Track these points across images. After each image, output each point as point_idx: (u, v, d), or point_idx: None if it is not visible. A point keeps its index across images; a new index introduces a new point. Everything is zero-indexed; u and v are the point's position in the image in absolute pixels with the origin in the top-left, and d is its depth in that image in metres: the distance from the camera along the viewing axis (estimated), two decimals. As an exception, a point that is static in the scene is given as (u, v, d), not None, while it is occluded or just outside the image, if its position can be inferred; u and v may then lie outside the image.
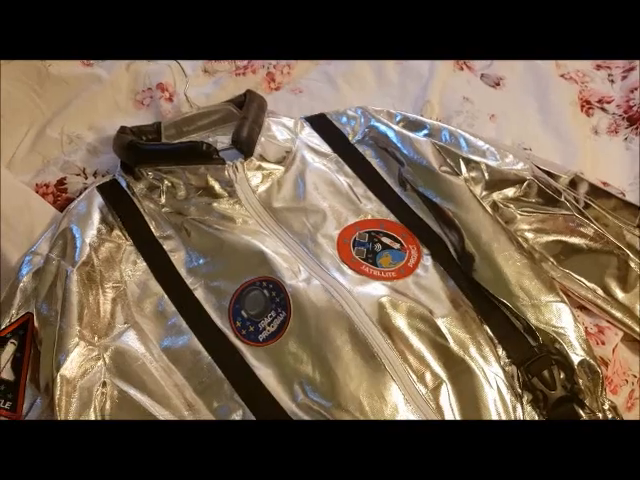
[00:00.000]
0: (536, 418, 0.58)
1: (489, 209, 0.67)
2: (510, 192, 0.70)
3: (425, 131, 0.75)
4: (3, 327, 0.58)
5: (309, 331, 0.59)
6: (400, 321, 0.59)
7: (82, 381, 0.55)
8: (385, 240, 0.67)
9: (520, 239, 0.67)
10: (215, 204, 0.68)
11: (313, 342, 0.58)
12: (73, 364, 0.55)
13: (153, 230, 0.66)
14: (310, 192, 0.70)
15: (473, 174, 0.70)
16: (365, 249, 0.66)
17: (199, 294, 0.63)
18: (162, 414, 0.55)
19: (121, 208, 0.67)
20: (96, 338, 0.58)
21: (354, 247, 0.66)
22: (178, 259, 0.65)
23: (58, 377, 0.54)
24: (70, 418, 0.53)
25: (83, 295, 0.59)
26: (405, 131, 0.73)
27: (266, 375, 0.58)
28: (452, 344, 0.59)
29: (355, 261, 0.65)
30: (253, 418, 0.55)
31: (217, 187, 0.68)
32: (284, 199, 0.69)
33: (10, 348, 0.57)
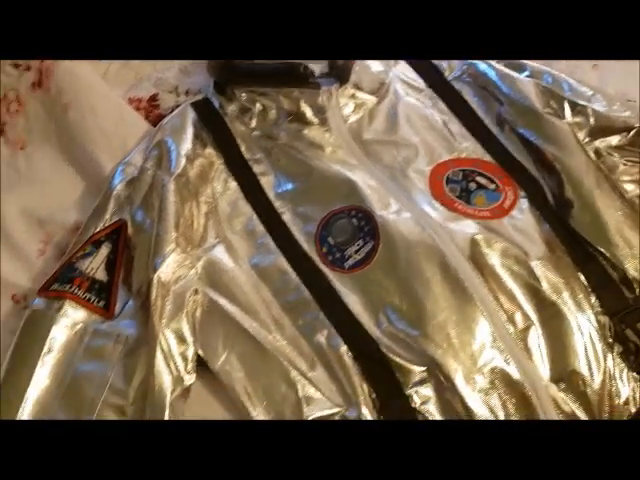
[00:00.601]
0: (625, 371, 0.56)
1: (593, 155, 0.64)
2: (614, 140, 0.66)
3: (526, 73, 0.72)
4: (98, 230, 0.59)
5: (397, 262, 0.58)
6: (494, 259, 0.57)
7: (175, 286, 0.56)
8: (480, 180, 0.65)
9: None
10: (305, 131, 0.66)
11: (401, 273, 0.57)
12: (168, 268, 0.56)
13: (243, 152, 0.66)
14: (402, 126, 0.68)
15: (578, 119, 0.67)
16: (459, 187, 0.64)
17: (286, 218, 0.62)
18: (252, 325, 0.56)
19: (213, 127, 0.67)
20: (189, 248, 0.59)
21: (447, 184, 0.64)
22: (267, 183, 0.65)
23: (155, 278, 0.55)
24: (164, 321, 0.54)
25: (179, 205, 0.59)
26: (507, 70, 0.70)
27: (351, 301, 0.57)
28: (545, 287, 0.57)
29: (448, 198, 0.63)
30: (338, 339, 0.55)
31: (309, 113, 0.67)
32: (375, 131, 0.68)
33: (104, 250, 0.58)
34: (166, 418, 0.50)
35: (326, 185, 0.63)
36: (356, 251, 0.60)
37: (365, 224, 0.60)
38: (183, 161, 0.62)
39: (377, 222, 0.59)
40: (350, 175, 0.63)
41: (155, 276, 0.55)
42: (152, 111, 0.72)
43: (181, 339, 0.54)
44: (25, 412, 0.51)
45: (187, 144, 0.64)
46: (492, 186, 0.65)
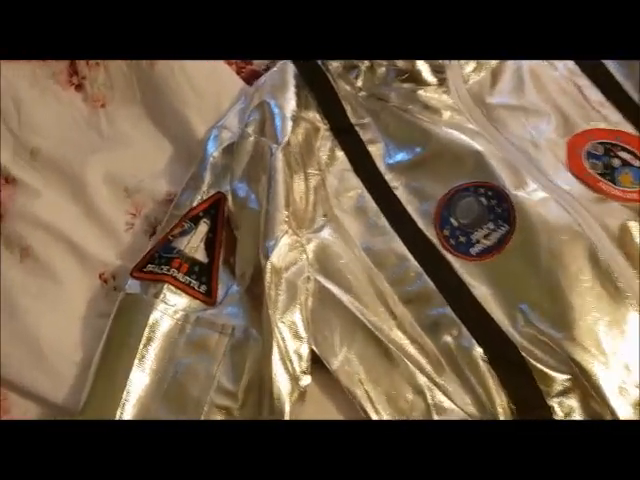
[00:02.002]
0: None
1: None
2: None
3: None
4: (195, 205, 0.52)
5: (538, 251, 0.50)
6: (650, 252, 0.49)
7: (287, 273, 0.49)
8: (623, 155, 0.56)
9: None
10: (420, 92, 0.58)
11: (543, 264, 0.49)
12: (281, 252, 0.49)
13: (349, 116, 0.58)
14: (531, 89, 0.59)
15: None
16: (601, 163, 0.55)
17: (400, 194, 0.55)
18: (370, 320, 0.49)
19: (317, 86, 0.58)
20: (299, 229, 0.52)
21: (587, 159, 0.56)
22: (376, 152, 0.57)
23: (268, 264, 0.48)
24: (278, 312, 0.47)
25: (289, 178, 0.52)
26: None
27: (481, 295, 0.50)
28: None
29: (589, 176, 0.54)
30: (471, 339, 0.48)
31: (425, 72, 0.58)
32: (499, 94, 0.59)
33: (203, 227, 0.52)
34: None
35: (447, 156, 0.55)
36: (485, 236, 0.52)
37: (497, 204, 0.52)
38: (289, 126, 0.54)
39: (512, 203, 0.51)
40: (475, 145, 0.55)
41: (268, 262, 0.48)
42: (244, 67, 0.64)
43: (296, 334, 0.48)
44: (125, 413, 0.45)
45: (291, 106, 0.56)
46: (637, 163, 0.56)
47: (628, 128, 0.57)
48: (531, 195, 0.52)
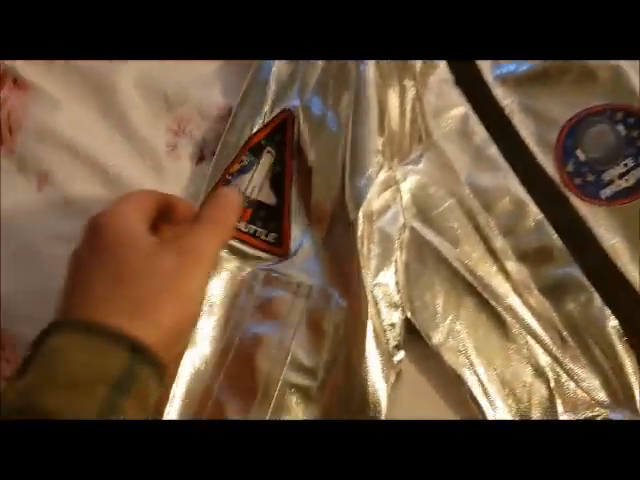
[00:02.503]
0: None
1: None
2: None
3: None
4: (255, 130, 0.41)
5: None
6: None
7: (380, 222, 0.39)
8: None
9: None
10: None
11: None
12: (373, 193, 0.38)
13: None
14: None
15: None
16: None
17: (513, 115, 0.43)
18: (482, 282, 0.39)
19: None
20: (396, 160, 0.41)
21: None
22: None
23: (360, 213, 0.38)
24: (370, 272, 0.37)
25: (382, 93, 0.40)
26: None
27: (616, 250, 0.40)
28: None
29: None
30: (605, 309, 0.38)
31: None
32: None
33: (267, 159, 0.41)
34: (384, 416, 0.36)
35: (574, 68, 0.43)
36: (621, 175, 0.41)
37: (639, 135, 0.41)
38: None
39: (659, 134, 0.40)
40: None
41: (360, 211, 0.38)
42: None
43: (390, 300, 0.38)
44: (178, 390, 0.37)
45: None
46: None
47: None
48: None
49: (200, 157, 0.44)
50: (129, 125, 0.43)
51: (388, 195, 0.40)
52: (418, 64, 0.43)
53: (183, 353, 0.37)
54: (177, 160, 0.44)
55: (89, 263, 0.30)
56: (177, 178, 0.43)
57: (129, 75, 0.44)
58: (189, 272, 0.30)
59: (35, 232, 0.42)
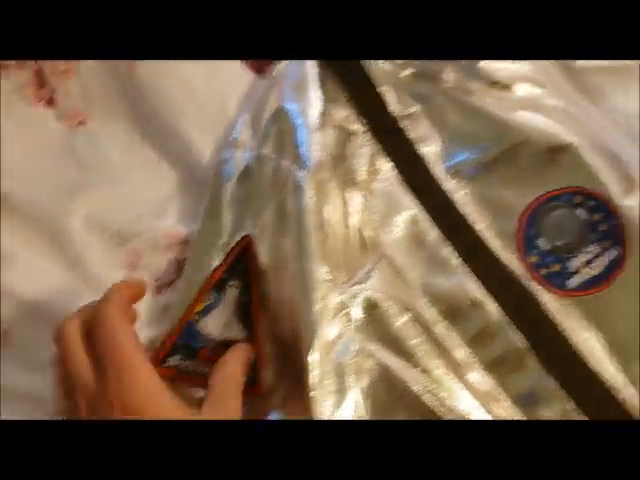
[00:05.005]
0: None
1: None
2: None
3: None
4: (215, 266, 0.40)
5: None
6: None
7: (334, 352, 0.37)
8: None
9: None
10: (482, 63, 0.44)
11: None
12: (324, 324, 0.37)
13: (391, 105, 0.44)
14: None
15: None
16: None
17: (467, 209, 0.41)
18: (443, 406, 0.37)
19: (346, 71, 0.45)
20: (344, 279, 0.39)
21: None
22: (431, 153, 0.43)
23: (315, 345, 0.37)
24: (329, 406, 0.36)
25: (322, 211, 0.40)
26: None
27: (585, 344, 0.37)
28: None
29: None
30: (581, 415, 0.36)
31: (489, 35, 0.44)
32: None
33: (232, 294, 0.40)
34: None
35: (525, 151, 0.41)
36: (588, 262, 0.39)
37: (602, 219, 0.39)
38: (318, 140, 0.41)
39: (621, 216, 0.38)
40: (565, 133, 0.41)
41: (315, 353, 0.37)
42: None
43: None
44: None
45: (317, 110, 0.42)
46: None
47: None
48: (650, 201, 0.38)
49: (158, 288, 0.44)
50: (83, 264, 0.44)
51: (338, 322, 0.38)
52: (363, 171, 0.42)
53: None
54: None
55: None
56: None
57: (80, 214, 0.44)
58: None
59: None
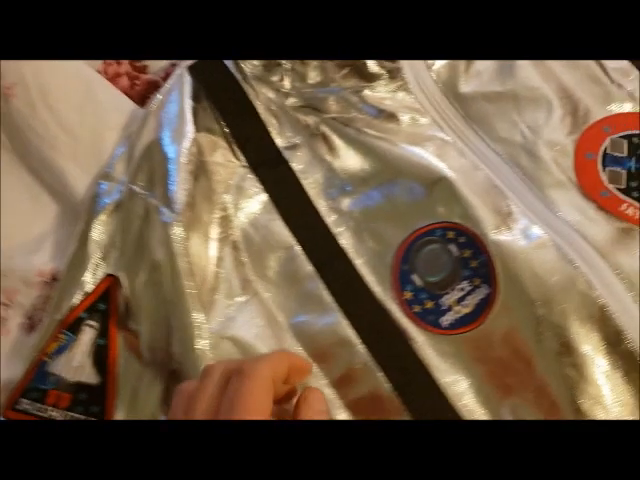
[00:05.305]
0: None
1: None
2: None
3: None
4: (74, 304, 0.39)
5: (529, 321, 0.35)
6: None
7: None
8: (659, 154, 0.39)
9: None
10: (367, 91, 0.43)
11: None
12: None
13: (274, 137, 0.43)
14: (523, 67, 0.42)
15: None
16: (625, 171, 0.39)
17: (347, 242, 0.40)
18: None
19: (225, 102, 0.43)
20: (205, 318, 0.38)
21: (604, 167, 0.39)
22: (313, 184, 0.42)
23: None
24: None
25: (192, 256, 0.39)
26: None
27: (456, 387, 0.36)
28: None
29: (608, 196, 0.38)
30: None
31: (371, 61, 0.42)
32: (479, 78, 0.43)
33: (87, 335, 0.39)
34: None
35: (405, 186, 0.40)
36: (459, 299, 0.37)
37: (472, 255, 0.37)
38: (188, 180, 0.40)
39: (491, 252, 0.37)
40: (441, 167, 0.39)
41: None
42: (138, 77, 0.48)
43: None
44: None
45: (187, 143, 0.41)
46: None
47: (666, 107, 0.40)
48: (520, 237, 0.37)
49: (30, 326, 0.43)
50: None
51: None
52: (238, 210, 0.41)
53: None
54: (7, 335, 0.43)
55: None
56: (11, 352, 0.42)
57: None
58: None
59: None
